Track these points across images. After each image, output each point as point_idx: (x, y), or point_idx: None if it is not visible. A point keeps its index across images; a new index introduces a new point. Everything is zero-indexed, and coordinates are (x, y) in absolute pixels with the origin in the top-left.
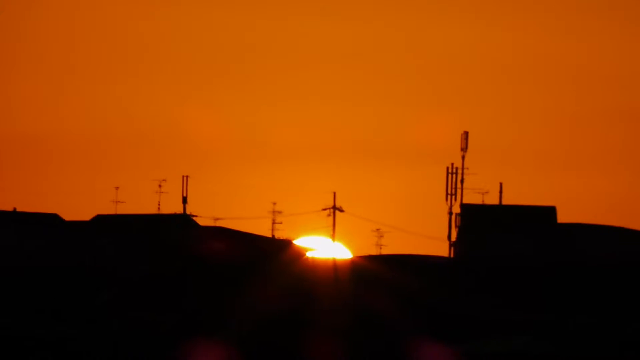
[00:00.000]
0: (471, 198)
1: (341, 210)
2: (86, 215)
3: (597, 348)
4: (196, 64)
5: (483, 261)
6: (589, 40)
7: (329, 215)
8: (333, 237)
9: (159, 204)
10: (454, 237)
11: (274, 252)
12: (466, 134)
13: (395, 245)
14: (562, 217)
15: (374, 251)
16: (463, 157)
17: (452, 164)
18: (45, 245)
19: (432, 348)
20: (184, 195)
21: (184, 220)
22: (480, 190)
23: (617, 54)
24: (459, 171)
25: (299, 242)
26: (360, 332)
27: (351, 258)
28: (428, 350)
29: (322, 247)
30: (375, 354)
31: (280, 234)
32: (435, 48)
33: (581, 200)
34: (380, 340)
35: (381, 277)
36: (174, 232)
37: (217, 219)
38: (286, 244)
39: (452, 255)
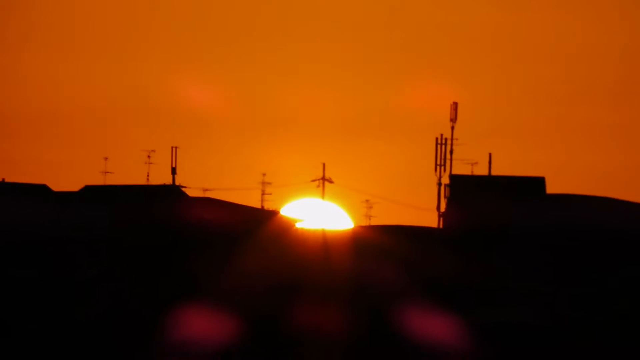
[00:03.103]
0: (460, 169)
1: (330, 182)
2: (75, 186)
3: (587, 317)
4: (186, 34)
5: (472, 231)
6: (578, 14)
7: (318, 186)
8: (322, 207)
9: (148, 175)
10: (443, 208)
11: (264, 222)
12: (455, 104)
13: (385, 216)
14: (551, 188)
15: (363, 222)
16: (452, 128)
17: (442, 135)
18: (34, 216)
19: (430, 317)
20: (173, 166)
21: (173, 191)
22: (469, 161)
23: (606, 29)
24: (448, 142)
25: (288, 210)
26: (356, 302)
27: (352, 228)
28: (426, 320)
29: (316, 216)
30: (372, 324)
31: (269, 205)
32: (424, 18)
33: (571, 171)
34: (377, 310)
35: (378, 247)
36: (163, 202)
37: (206, 190)
38: (275, 214)
39: (441, 226)
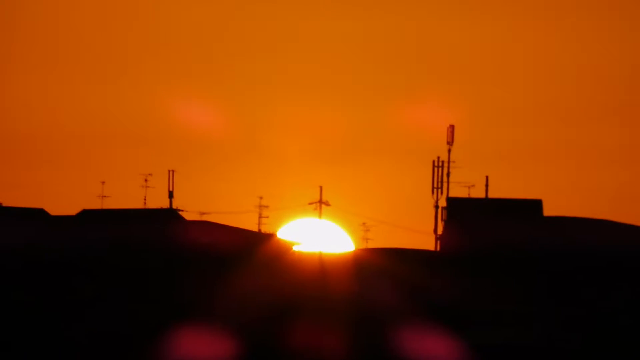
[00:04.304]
0: (457, 191)
1: (327, 204)
2: (72, 209)
3: (584, 340)
4: (183, 58)
5: (469, 254)
6: (574, 34)
7: (315, 209)
8: (320, 230)
9: (145, 199)
10: (440, 231)
11: (261, 245)
12: (452, 127)
13: (382, 239)
14: (548, 210)
15: (360, 245)
16: (449, 151)
17: (438, 158)
18: (32, 240)
19: (429, 339)
20: (170, 189)
21: (171, 215)
22: (466, 183)
23: (602, 51)
24: (445, 165)
25: (285, 233)
26: (355, 325)
27: (351, 250)
28: (425, 342)
29: (313, 239)
30: (371, 347)
31: (266, 228)
32: (421, 41)
33: (568, 193)
34: (376, 333)
35: (376, 269)
36: (160, 226)
37: (203, 214)
38: (272, 237)
39: (438, 249)
